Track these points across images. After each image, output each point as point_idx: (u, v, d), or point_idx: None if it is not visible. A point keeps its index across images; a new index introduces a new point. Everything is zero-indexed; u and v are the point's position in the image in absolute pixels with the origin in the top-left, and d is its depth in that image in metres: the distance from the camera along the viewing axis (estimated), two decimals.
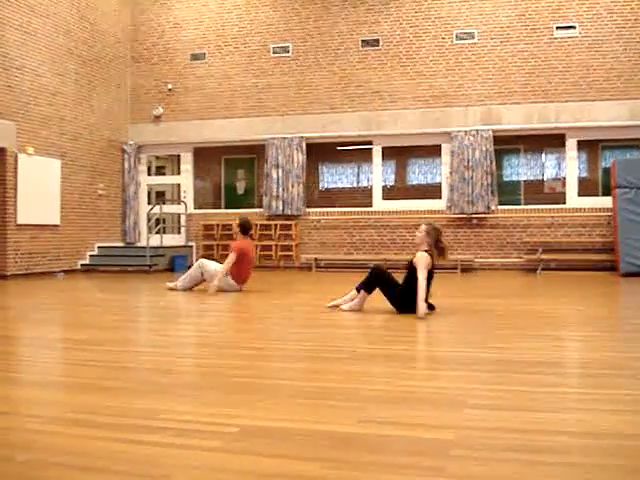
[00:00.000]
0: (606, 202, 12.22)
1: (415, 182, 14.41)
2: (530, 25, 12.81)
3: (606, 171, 12.75)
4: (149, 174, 15.33)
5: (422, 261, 6.13)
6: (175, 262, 13.31)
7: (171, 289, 8.97)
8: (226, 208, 14.77)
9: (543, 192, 13.64)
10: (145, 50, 14.87)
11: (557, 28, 12.67)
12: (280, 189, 13.82)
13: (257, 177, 14.92)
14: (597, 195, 12.85)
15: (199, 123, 14.42)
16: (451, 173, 13.05)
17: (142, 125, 14.81)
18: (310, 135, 13.80)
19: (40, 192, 11.97)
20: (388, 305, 6.30)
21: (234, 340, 5.07)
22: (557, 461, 2.26)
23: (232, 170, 15.33)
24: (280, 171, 13.84)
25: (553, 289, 9.13)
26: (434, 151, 13.66)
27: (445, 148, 13.35)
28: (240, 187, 15.31)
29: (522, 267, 12.63)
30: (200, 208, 14.83)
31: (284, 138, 13.83)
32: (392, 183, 14.54)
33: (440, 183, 13.56)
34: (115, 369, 3.90)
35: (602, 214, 12.36)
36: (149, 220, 13.70)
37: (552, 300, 7.74)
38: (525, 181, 13.86)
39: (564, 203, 12.88)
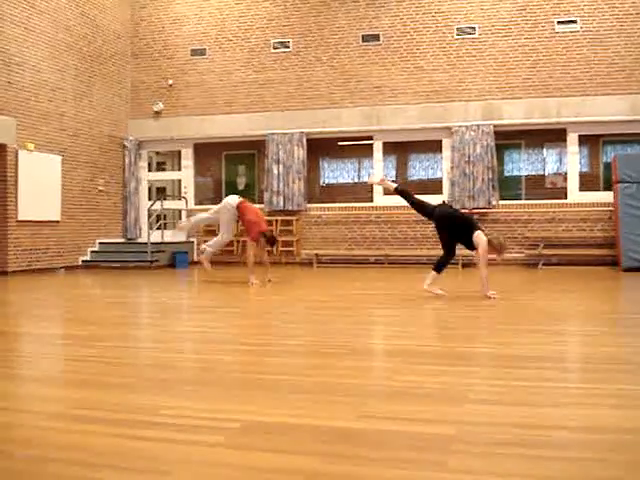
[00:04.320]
0: (607, 197, 12.21)
1: (416, 177, 14.40)
2: (531, 20, 12.77)
3: (607, 166, 12.73)
4: (149, 170, 15.32)
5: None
6: (176, 258, 13.30)
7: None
8: None
9: (544, 187, 13.63)
10: (145, 46, 14.85)
11: (558, 22, 12.64)
12: (281, 185, 13.81)
13: (258, 173, 14.91)
14: (598, 190, 12.84)
15: (199, 119, 14.40)
16: (452, 168, 13.03)
17: (142, 121, 14.79)
18: (311, 130, 13.78)
19: (41, 188, 11.97)
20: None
21: (235, 336, 5.07)
22: (558, 456, 2.26)
23: (233, 166, 15.32)
24: (281, 167, 13.82)
25: (554, 284, 9.13)
26: (435, 146, 13.63)
27: (446, 143, 13.33)
28: (241, 183, 15.30)
29: (523, 262, 12.63)
30: (201, 204, 14.81)
31: (285, 133, 13.81)
32: (393, 178, 14.51)
33: (441, 178, 13.54)
34: (116, 365, 3.90)
35: (603, 209, 12.35)
36: (150, 216, 13.70)
37: (553, 295, 7.74)
38: (526, 176, 13.85)
39: (565, 198, 12.87)
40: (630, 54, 12.27)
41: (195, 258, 14.08)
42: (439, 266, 7.25)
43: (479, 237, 6.98)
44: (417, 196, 7.66)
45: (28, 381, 3.59)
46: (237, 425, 2.64)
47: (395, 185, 7.83)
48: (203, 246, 9.98)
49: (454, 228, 7.20)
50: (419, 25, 13.31)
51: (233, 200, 9.54)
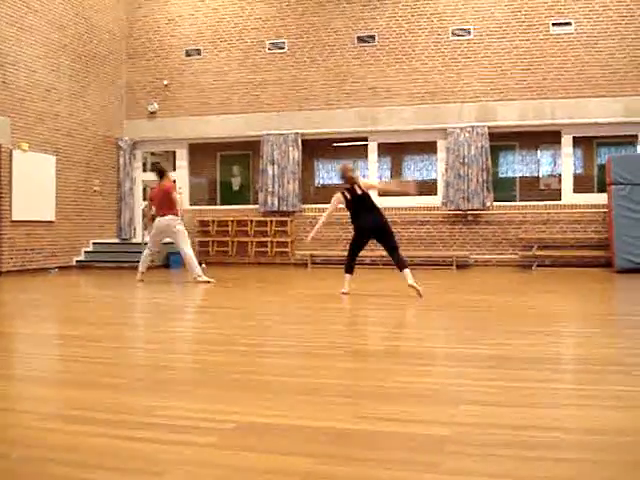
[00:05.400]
0: (601, 198, 12.24)
1: (410, 178, 14.40)
2: (526, 22, 12.80)
3: (601, 167, 12.77)
4: (144, 170, 15.28)
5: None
6: (171, 258, 13.27)
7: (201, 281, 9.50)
8: (221, 204, 14.75)
9: (538, 188, 13.66)
10: (140, 46, 14.82)
11: (553, 25, 12.67)
12: (275, 185, 13.80)
13: (252, 173, 14.89)
14: (592, 192, 12.87)
15: (194, 119, 14.38)
16: (446, 169, 13.05)
17: (137, 121, 14.76)
18: (306, 131, 13.78)
19: (35, 188, 11.92)
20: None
21: (229, 337, 5.06)
22: (552, 457, 2.26)
23: (227, 166, 15.30)
24: (275, 167, 13.81)
25: (548, 286, 9.15)
26: (430, 147, 13.65)
27: (441, 144, 13.35)
28: (235, 183, 15.29)
29: (517, 264, 12.65)
30: (195, 204, 14.79)
31: (280, 134, 13.81)
32: (388, 179, 14.53)
33: (436, 179, 13.55)
34: (110, 366, 3.89)
35: (597, 210, 12.38)
36: (144, 216, 13.67)
37: (547, 297, 7.75)
38: (520, 177, 13.88)
39: (559, 199, 12.90)
40: (624, 56, 12.31)
41: None
42: (403, 261, 7.62)
43: (365, 186, 7.95)
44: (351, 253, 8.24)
45: (21, 381, 3.58)
46: (231, 426, 2.64)
47: (347, 276, 8.00)
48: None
49: (375, 221, 8.05)
50: (414, 27, 13.32)
51: (163, 219, 9.62)
